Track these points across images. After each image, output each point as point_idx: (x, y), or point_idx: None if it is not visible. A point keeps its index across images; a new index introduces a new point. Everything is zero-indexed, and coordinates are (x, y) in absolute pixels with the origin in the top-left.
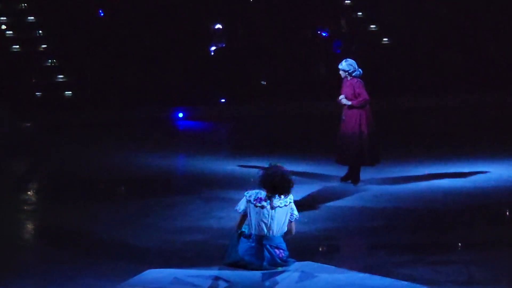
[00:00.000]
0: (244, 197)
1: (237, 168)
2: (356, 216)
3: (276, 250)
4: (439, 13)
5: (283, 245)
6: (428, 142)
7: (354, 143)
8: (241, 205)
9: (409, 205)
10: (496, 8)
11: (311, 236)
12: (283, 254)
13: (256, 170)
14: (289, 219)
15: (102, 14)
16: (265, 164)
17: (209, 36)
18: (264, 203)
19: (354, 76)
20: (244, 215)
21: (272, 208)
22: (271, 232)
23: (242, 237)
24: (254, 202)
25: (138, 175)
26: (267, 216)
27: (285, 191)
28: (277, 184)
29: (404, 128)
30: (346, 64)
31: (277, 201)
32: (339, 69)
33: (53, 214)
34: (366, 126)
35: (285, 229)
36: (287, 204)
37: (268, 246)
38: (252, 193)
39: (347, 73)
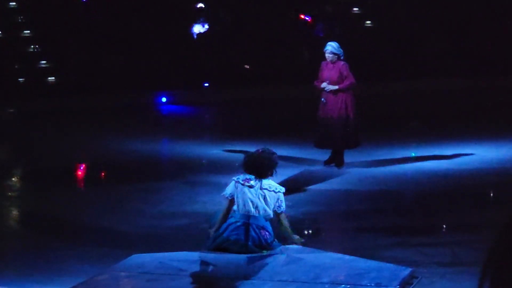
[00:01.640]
0: (232, 181)
1: (222, 152)
2: (340, 199)
3: (262, 231)
4: None
5: (269, 228)
6: (412, 125)
7: (340, 127)
8: (228, 190)
9: (393, 188)
10: None
11: (296, 220)
12: (268, 237)
13: (240, 154)
14: (276, 210)
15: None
16: (250, 148)
17: (192, 18)
18: (252, 183)
19: (341, 59)
20: (232, 200)
21: (261, 188)
22: (257, 211)
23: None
24: (243, 182)
25: (122, 160)
26: (254, 195)
27: (266, 172)
28: (258, 165)
29: (388, 111)
30: (337, 47)
31: (267, 184)
32: (327, 52)
33: (37, 200)
34: (352, 109)
35: (271, 215)
36: (276, 190)
37: (254, 225)
38: (240, 176)
39: (336, 56)
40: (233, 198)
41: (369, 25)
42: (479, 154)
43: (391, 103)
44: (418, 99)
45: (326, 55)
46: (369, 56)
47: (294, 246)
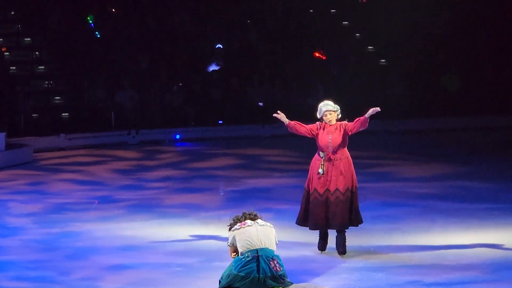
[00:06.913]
0: (229, 232)
1: (235, 189)
2: (352, 237)
3: (271, 262)
4: (436, 33)
5: (279, 260)
6: (426, 161)
7: (346, 201)
8: (229, 240)
9: (405, 226)
10: (493, 28)
11: (307, 258)
12: (278, 267)
13: (252, 190)
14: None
15: (98, 35)
16: (263, 185)
17: (208, 57)
18: (249, 224)
19: (339, 118)
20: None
21: (260, 225)
22: (263, 243)
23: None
24: (239, 227)
25: (134, 197)
26: (255, 231)
27: (256, 216)
28: (246, 215)
29: (400, 148)
30: (333, 103)
31: (262, 221)
32: (326, 112)
33: (50, 234)
34: (354, 177)
35: (275, 248)
36: (271, 226)
37: (264, 257)
38: (235, 226)
39: (336, 113)
40: (234, 246)
41: (384, 63)
42: (489, 190)
43: (404, 140)
44: (432, 138)
45: (327, 115)
46: (383, 93)
47: (306, 284)
